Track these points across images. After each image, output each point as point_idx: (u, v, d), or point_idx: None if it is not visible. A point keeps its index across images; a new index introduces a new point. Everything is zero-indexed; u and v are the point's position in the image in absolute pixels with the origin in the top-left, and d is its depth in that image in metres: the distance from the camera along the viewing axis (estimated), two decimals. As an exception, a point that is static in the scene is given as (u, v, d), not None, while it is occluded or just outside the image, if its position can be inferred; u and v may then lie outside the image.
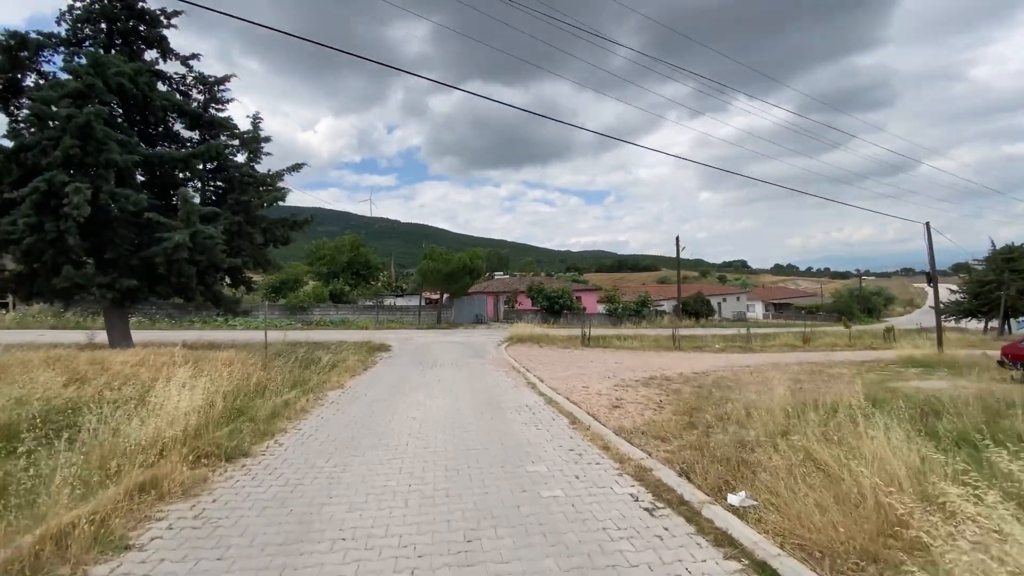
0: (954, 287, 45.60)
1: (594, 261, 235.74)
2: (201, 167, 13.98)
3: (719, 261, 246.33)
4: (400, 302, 39.06)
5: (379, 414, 7.08)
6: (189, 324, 24.53)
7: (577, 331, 26.99)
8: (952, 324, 40.50)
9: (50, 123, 9.76)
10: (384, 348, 16.55)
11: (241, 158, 13.94)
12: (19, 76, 10.73)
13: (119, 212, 10.43)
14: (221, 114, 14.18)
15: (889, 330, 33.60)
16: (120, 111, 12.65)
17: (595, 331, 22.60)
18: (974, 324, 43.20)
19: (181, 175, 12.85)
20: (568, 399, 8.30)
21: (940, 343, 21.67)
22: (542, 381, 10.14)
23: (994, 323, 40.84)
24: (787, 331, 34.66)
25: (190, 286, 12.00)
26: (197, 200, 13.14)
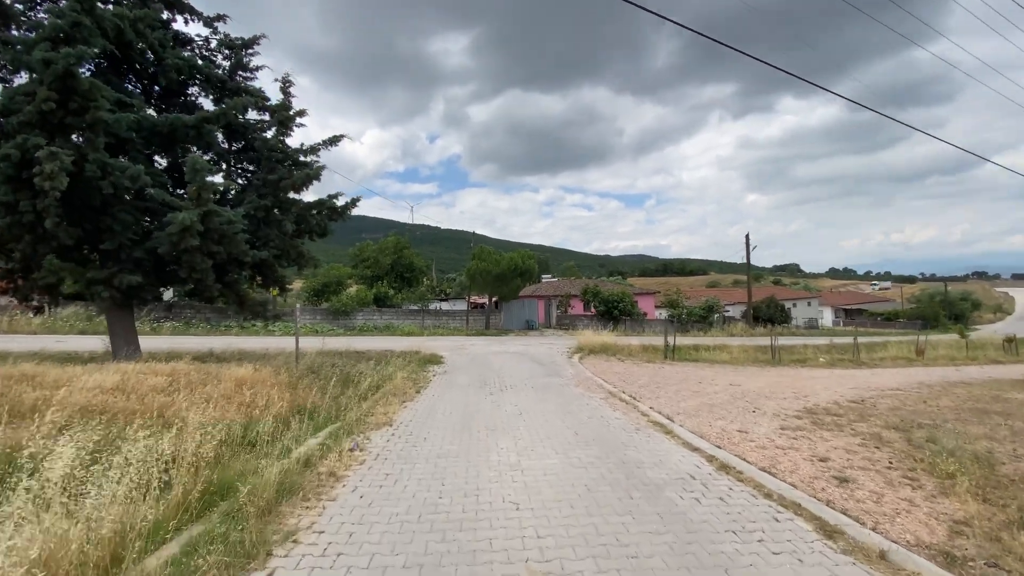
0: None
1: (636, 265, 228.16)
2: (226, 146, 11.83)
3: (769, 265, 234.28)
4: (445, 306, 36.75)
5: (453, 490, 4.26)
6: (225, 329, 22.87)
7: (648, 339, 23.66)
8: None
9: (29, 74, 7.66)
10: (436, 360, 13.93)
11: (270, 134, 11.70)
12: (7, 29, 8.73)
13: (115, 190, 8.20)
14: (250, 82, 12.07)
15: (1011, 340, 29.58)
16: (132, 77, 10.64)
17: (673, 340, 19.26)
18: None
19: (197, 149, 10.62)
20: (744, 459, 5.20)
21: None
22: (671, 420, 7.05)
23: None
24: (886, 340, 30.19)
25: (206, 283, 9.66)
26: (220, 180, 10.95)
